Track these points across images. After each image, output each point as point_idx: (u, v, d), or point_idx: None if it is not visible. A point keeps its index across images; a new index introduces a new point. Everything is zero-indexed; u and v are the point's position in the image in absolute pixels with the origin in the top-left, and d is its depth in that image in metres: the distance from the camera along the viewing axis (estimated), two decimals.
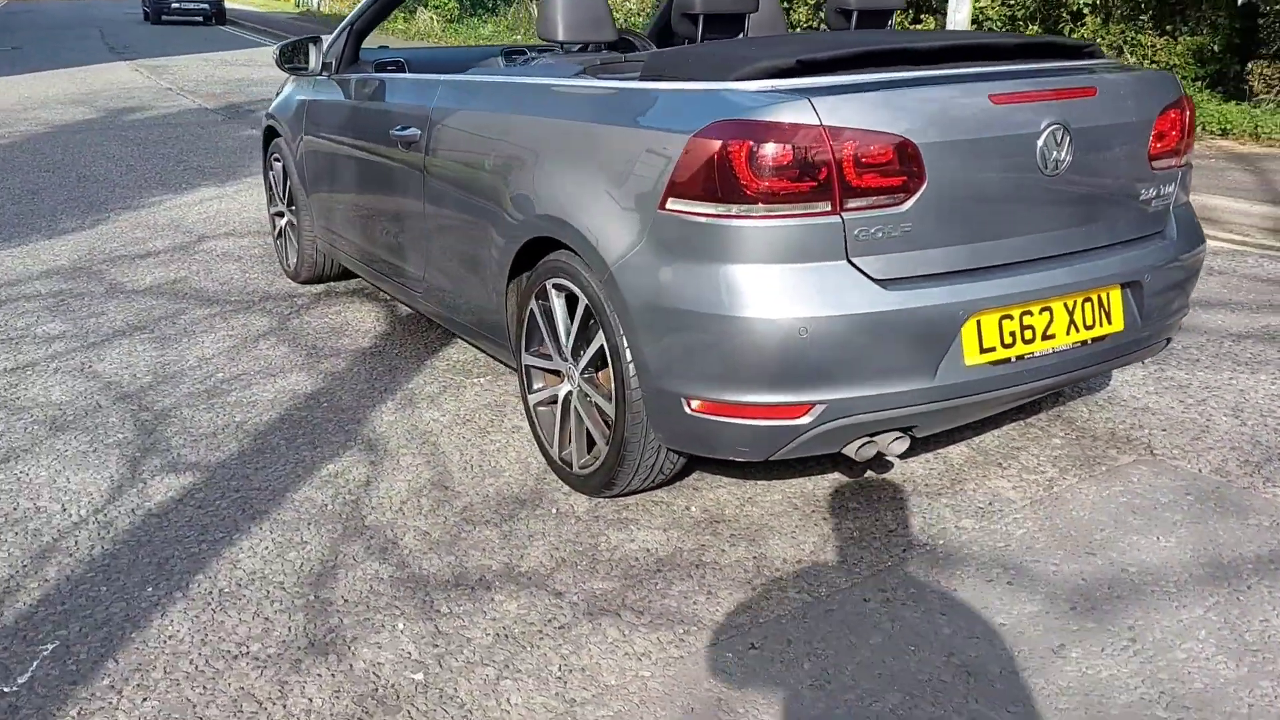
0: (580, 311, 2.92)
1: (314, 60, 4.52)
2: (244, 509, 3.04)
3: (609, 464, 2.91)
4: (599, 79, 3.03)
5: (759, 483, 3.16)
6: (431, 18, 23.60)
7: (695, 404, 2.63)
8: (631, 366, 2.76)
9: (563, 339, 3.05)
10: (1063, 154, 2.69)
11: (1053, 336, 2.74)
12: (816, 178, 2.45)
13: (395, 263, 4.05)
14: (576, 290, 2.91)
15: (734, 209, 2.48)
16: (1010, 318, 2.66)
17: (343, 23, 4.55)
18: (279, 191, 5.24)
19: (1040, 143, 2.65)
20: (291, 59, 4.55)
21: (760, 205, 2.46)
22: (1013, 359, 2.69)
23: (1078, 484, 3.13)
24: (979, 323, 2.61)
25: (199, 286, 5.27)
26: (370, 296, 5.13)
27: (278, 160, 5.18)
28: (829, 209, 2.48)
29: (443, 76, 3.67)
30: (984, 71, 2.71)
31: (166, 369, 4.15)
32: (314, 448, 3.44)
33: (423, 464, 3.32)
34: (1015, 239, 2.69)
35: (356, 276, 5.35)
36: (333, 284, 5.31)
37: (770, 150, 2.44)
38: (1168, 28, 10.13)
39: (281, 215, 5.31)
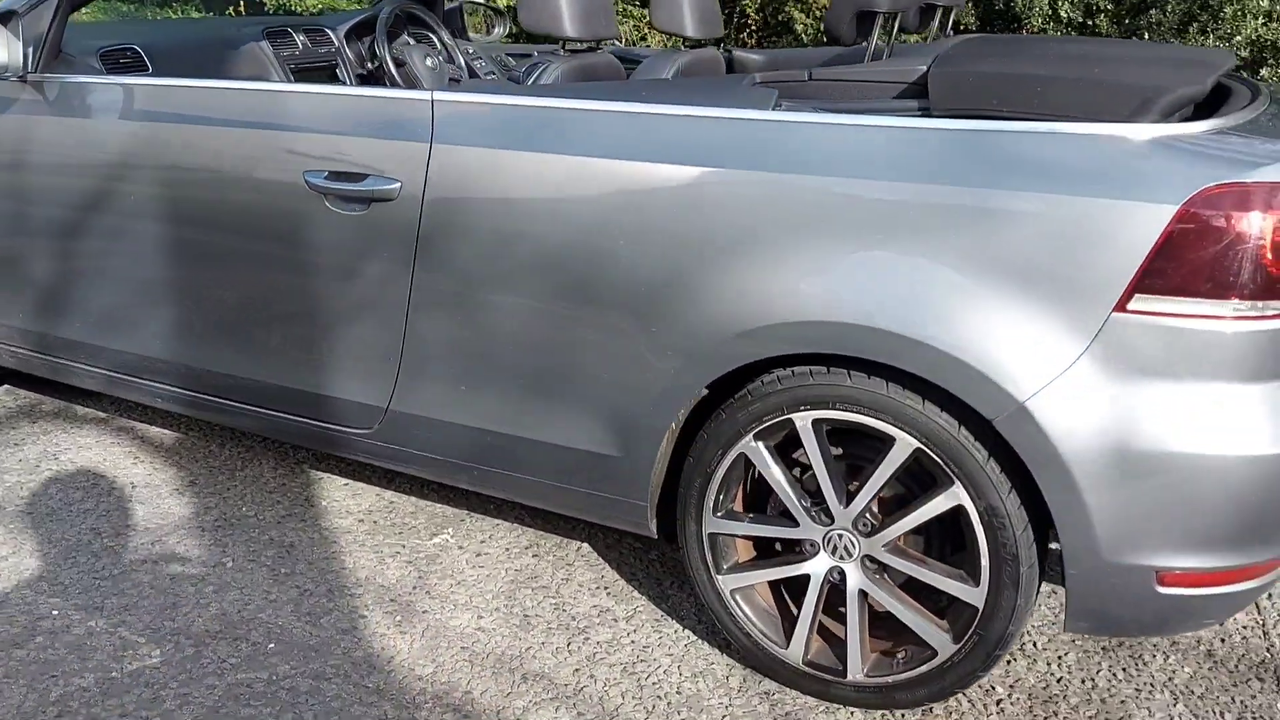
0: (899, 457, 1.96)
1: (6, 52, 2.65)
2: None
3: (963, 670, 2.02)
4: (845, 113, 2.03)
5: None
6: None
7: (1170, 577, 1.88)
8: (1029, 534, 1.91)
9: (832, 496, 2.05)
10: None
11: None
12: None
13: (286, 385, 2.52)
14: (890, 429, 1.94)
15: (1257, 308, 1.76)
16: None
17: None
18: None
19: None
20: None
21: None
22: None
23: None
24: None
25: None
26: (60, 415, 3.27)
27: None
28: None
29: (448, 95, 2.27)
30: None
31: None
32: None
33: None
34: None
35: None
36: None
37: None
38: None
39: None
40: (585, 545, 2.67)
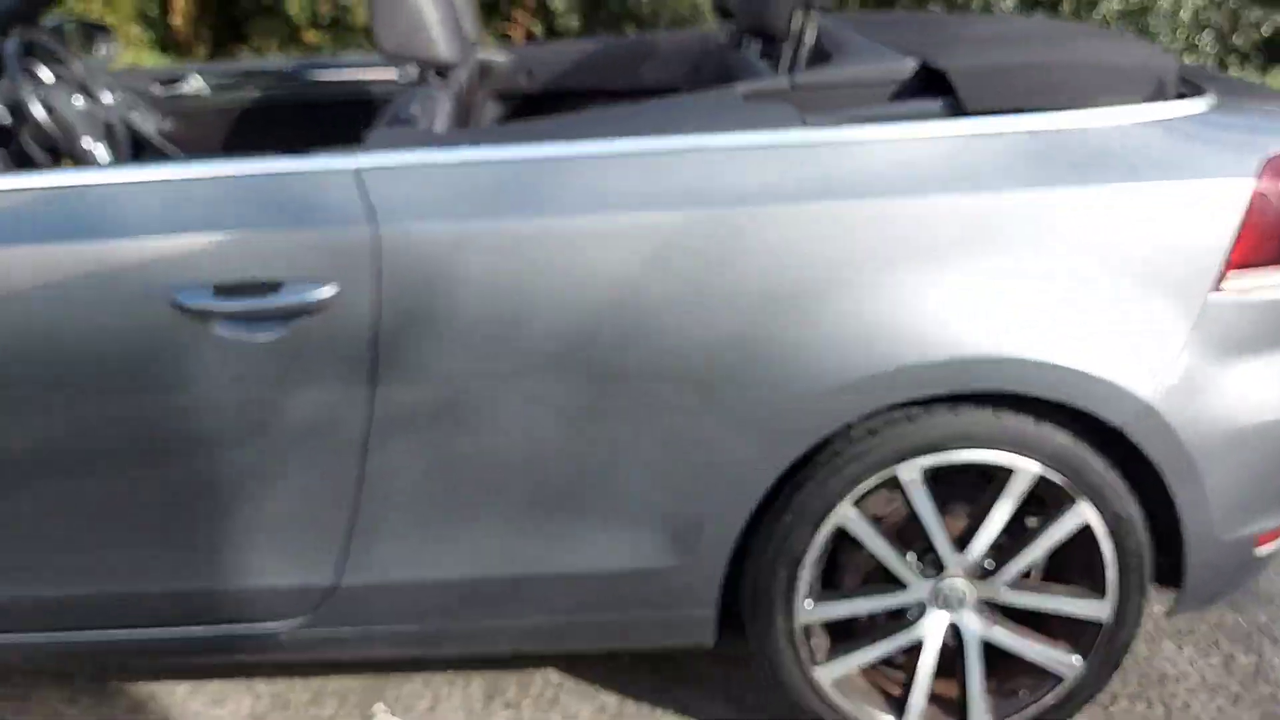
0: (1019, 487, 1.80)
1: None
2: None
3: (1092, 687, 1.93)
4: (885, 122, 1.80)
5: None
6: None
7: (1264, 538, 1.92)
8: (1147, 534, 1.86)
9: (945, 547, 1.85)
10: None
11: None
12: None
13: (157, 590, 1.78)
14: (1010, 460, 1.78)
15: None
16: None
17: None
18: None
19: None
20: None
21: None
22: None
23: None
24: None
25: None
26: None
27: None
28: None
29: (376, 158, 1.66)
30: None
31: None
32: None
33: None
34: None
35: None
36: None
37: None
38: None
39: None
40: (550, 671, 2.21)
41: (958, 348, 1.70)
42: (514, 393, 1.70)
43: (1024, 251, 1.71)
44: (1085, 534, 1.84)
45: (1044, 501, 1.84)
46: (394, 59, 1.96)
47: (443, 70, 2.04)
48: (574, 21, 6.87)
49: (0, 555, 1.76)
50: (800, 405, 1.71)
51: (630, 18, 6.48)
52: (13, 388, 1.65)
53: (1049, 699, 1.93)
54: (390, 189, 1.66)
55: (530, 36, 7.00)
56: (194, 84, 3.09)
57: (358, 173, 1.67)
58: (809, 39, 2.09)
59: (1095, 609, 1.88)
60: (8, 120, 2.58)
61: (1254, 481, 1.84)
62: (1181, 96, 1.88)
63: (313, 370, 1.66)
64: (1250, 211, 1.73)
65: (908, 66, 1.93)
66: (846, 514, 1.80)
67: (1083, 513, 1.81)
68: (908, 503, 1.82)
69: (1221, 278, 1.74)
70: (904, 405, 1.76)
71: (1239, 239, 1.73)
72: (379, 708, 2.10)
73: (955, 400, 1.76)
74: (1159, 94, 1.87)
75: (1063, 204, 1.71)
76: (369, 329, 1.65)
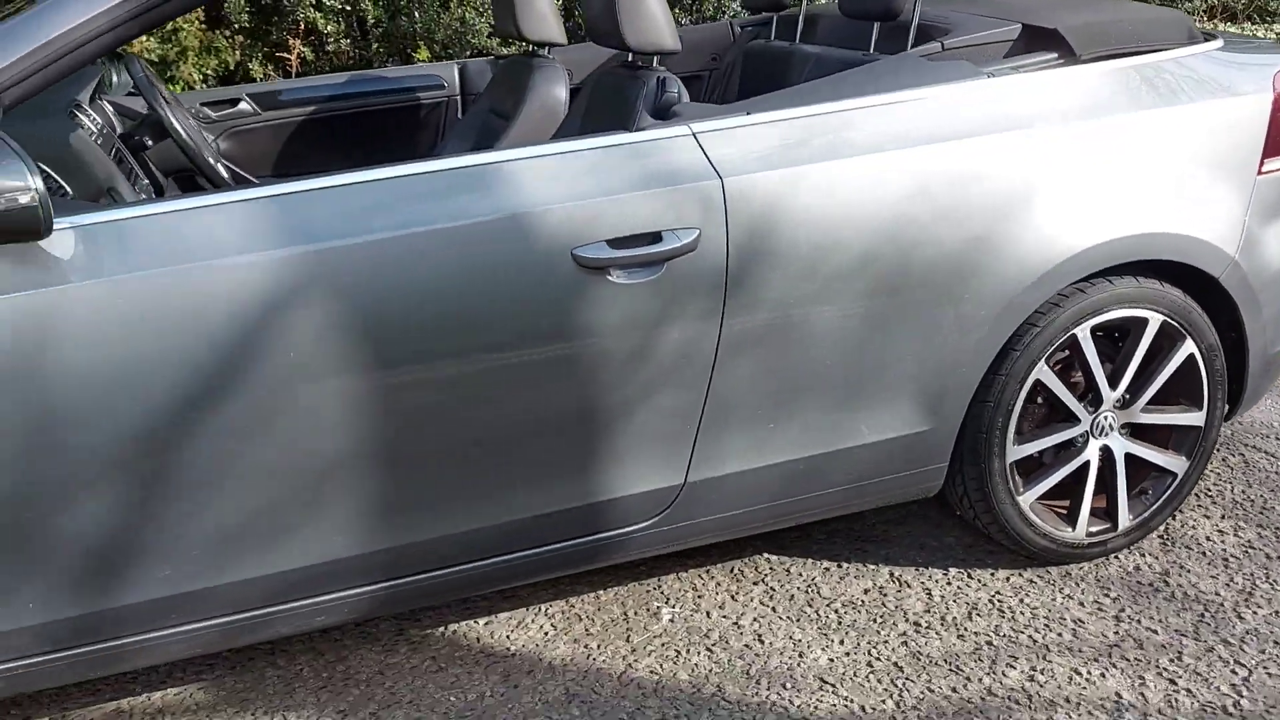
0: (1150, 334, 2.43)
1: None
2: None
3: (1192, 481, 2.60)
4: (1050, 68, 2.38)
5: None
6: None
7: None
8: (1221, 356, 2.55)
9: (1105, 386, 2.45)
10: None
11: None
12: None
13: (539, 513, 2.07)
14: (1146, 313, 2.41)
15: None
16: None
17: None
18: None
19: None
20: None
21: None
22: None
23: None
24: None
25: None
26: None
27: None
28: None
29: (706, 124, 2.02)
30: None
31: None
32: None
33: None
34: None
35: None
36: None
37: None
38: None
39: None
40: (764, 553, 2.64)
41: (1117, 230, 2.30)
42: (824, 305, 2.13)
43: (1144, 156, 2.33)
44: (1187, 363, 2.50)
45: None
46: (638, 52, 2.32)
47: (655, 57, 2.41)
48: (345, 45, 6.91)
49: (417, 507, 1.98)
50: (1019, 290, 2.25)
51: (401, 38, 6.62)
52: (431, 342, 1.89)
53: (1166, 494, 2.59)
54: (721, 147, 2.05)
55: (303, 63, 6.99)
56: (244, 105, 3.23)
57: (695, 136, 2.04)
58: (917, 17, 2.63)
59: (1197, 418, 2.55)
60: (149, 141, 2.69)
61: None
62: (1207, 39, 2.57)
63: (681, 301, 2.02)
64: (1273, 114, 2.44)
65: (1015, 28, 2.50)
66: (1042, 369, 2.36)
67: (1189, 347, 2.47)
68: (1072, 357, 2.41)
69: (1262, 164, 2.44)
70: (1079, 281, 2.33)
71: (1268, 135, 2.44)
72: (663, 608, 2.45)
73: (1109, 273, 2.36)
74: (1193, 39, 2.54)
75: (1163, 120, 2.35)
76: (723, 261, 2.03)
